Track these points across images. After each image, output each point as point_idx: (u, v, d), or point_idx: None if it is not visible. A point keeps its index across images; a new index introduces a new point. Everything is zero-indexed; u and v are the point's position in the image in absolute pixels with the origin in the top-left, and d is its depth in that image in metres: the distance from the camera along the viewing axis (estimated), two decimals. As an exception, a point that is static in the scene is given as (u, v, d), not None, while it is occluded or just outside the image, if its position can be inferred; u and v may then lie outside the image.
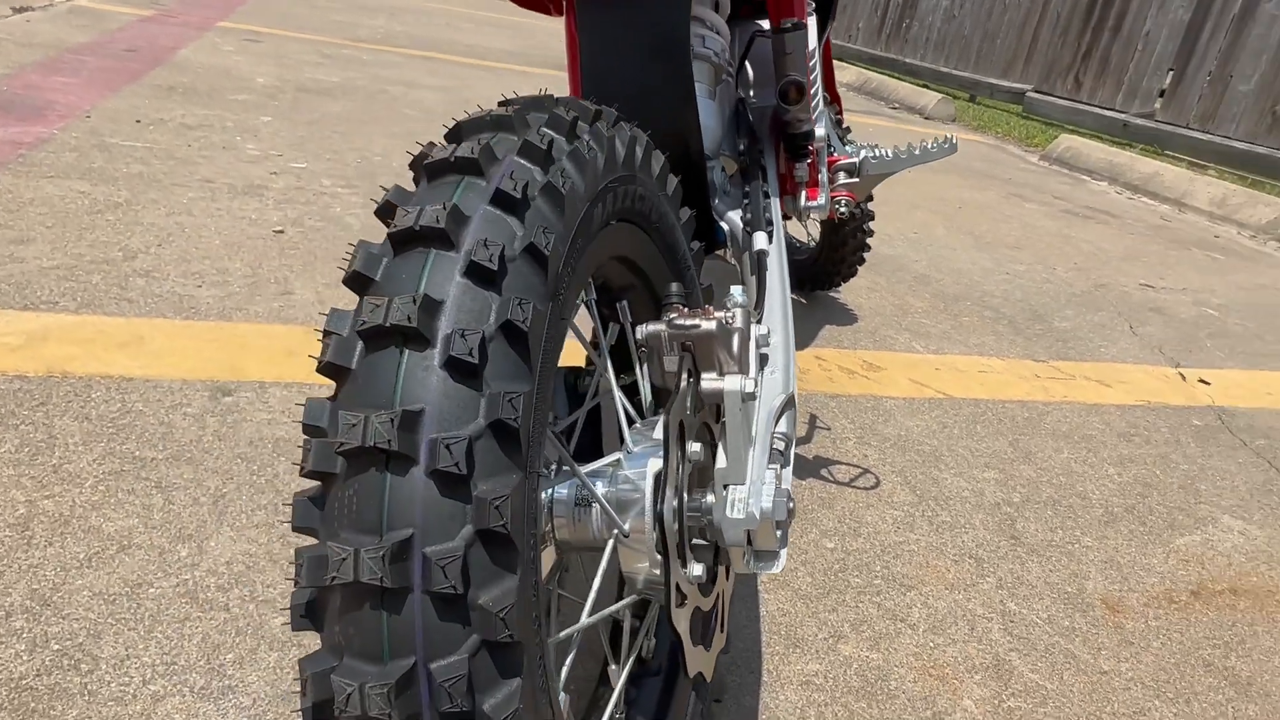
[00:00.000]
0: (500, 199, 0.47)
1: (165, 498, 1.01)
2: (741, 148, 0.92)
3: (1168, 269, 2.83)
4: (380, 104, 3.13)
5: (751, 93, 1.08)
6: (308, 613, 0.41)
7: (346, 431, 0.40)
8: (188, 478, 1.05)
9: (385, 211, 0.48)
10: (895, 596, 1.06)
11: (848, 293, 2.06)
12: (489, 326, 0.43)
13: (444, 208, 0.45)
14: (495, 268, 0.44)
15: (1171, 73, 5.41)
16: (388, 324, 0.42)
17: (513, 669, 0.41)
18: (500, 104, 0.58)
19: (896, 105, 6.15)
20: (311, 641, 0.85)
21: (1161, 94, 5.46)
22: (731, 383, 0.59)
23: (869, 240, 1.76)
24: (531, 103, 0.58)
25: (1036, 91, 6.31)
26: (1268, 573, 1.24)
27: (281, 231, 1.84)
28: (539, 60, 5.08)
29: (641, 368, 0.74)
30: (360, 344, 0.43)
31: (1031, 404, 1.64)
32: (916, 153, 1.11)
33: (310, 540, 0.98)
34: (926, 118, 5.77)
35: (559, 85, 4.33)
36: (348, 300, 1.58)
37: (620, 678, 0.63)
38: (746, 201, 0.86)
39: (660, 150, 0.73)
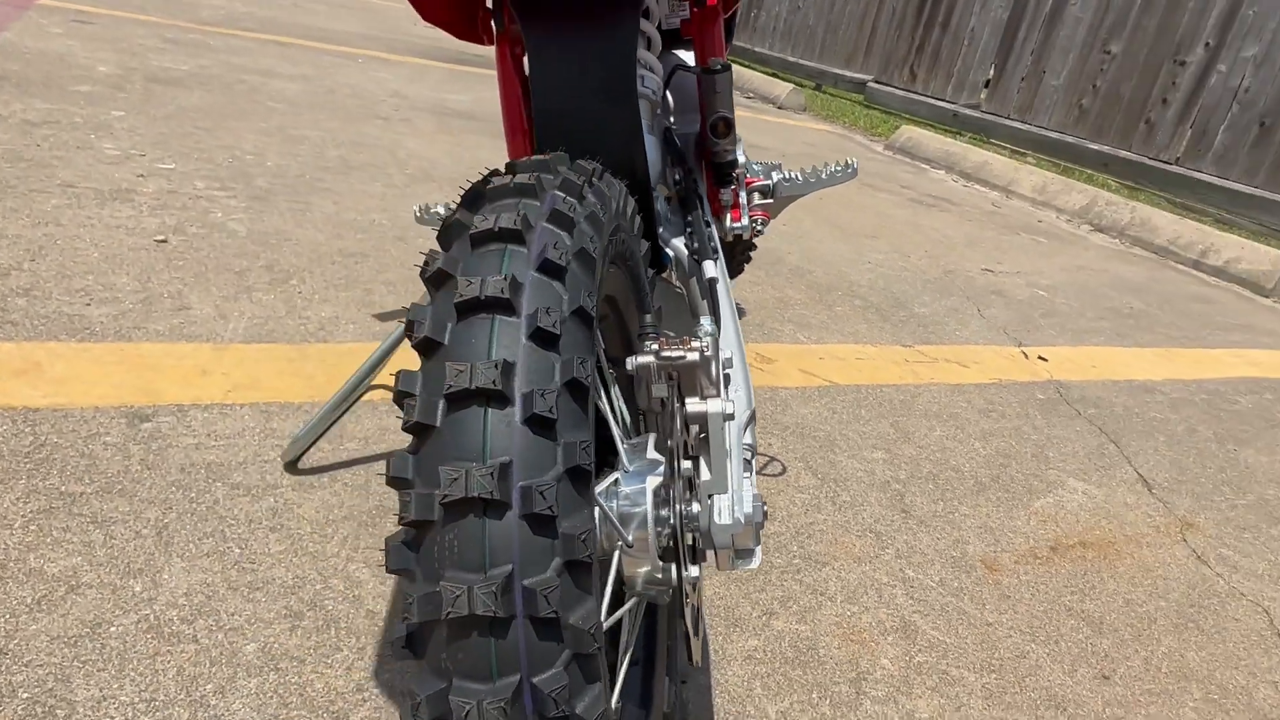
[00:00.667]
0: (546, 267, 0.53)
1: (105, 533, 0.99)
2: (677, 177, 1.00)
3: (1003, 254, 3.14)
4: (240, 96, 3.00)
5: (673, 120, 1.16)
6: (409, 644, 0.47)
7: (450, 484, 0.46)
8: (124, 510, 1.03)
9: (437, 280, 0.53)
10: (813, 573, 1.18)
11: (735, 288, 2.18)
12: (556, 384, 0.49)
13: (505, 279, 0.51)
14: (557, 332, 0.50)
15: (994, 67, 5.91)
16: (474, 386, 0.47)
17: (595, 675, 0.48)
18: (508, 168, 0.64)
19: (751, 95, 6.39)
20: (286, 667, 0.88)
21: (987, 85, 5.96)
22: (714, 405, 0.68)
23: (755, 240, 1.88)
24: (540, 165, 0.63)
25: (876, 82, 6.72)
26: (1107, 526, 1.45)
27: (164, 241, 1.77)
28: (396, 45, 4.95)
29: (612, 391, 0.81)
30: (444, 403, 0.48)
31: (904, 387, 1.82)
32: (824, 176, 1.23)
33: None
34: (780, 107, 6.04)
35: (421, 74, 4.25)
36: (252, 314, 1.55)
37: (621, 669, 0.71)
38: (690, 230, 0.94)
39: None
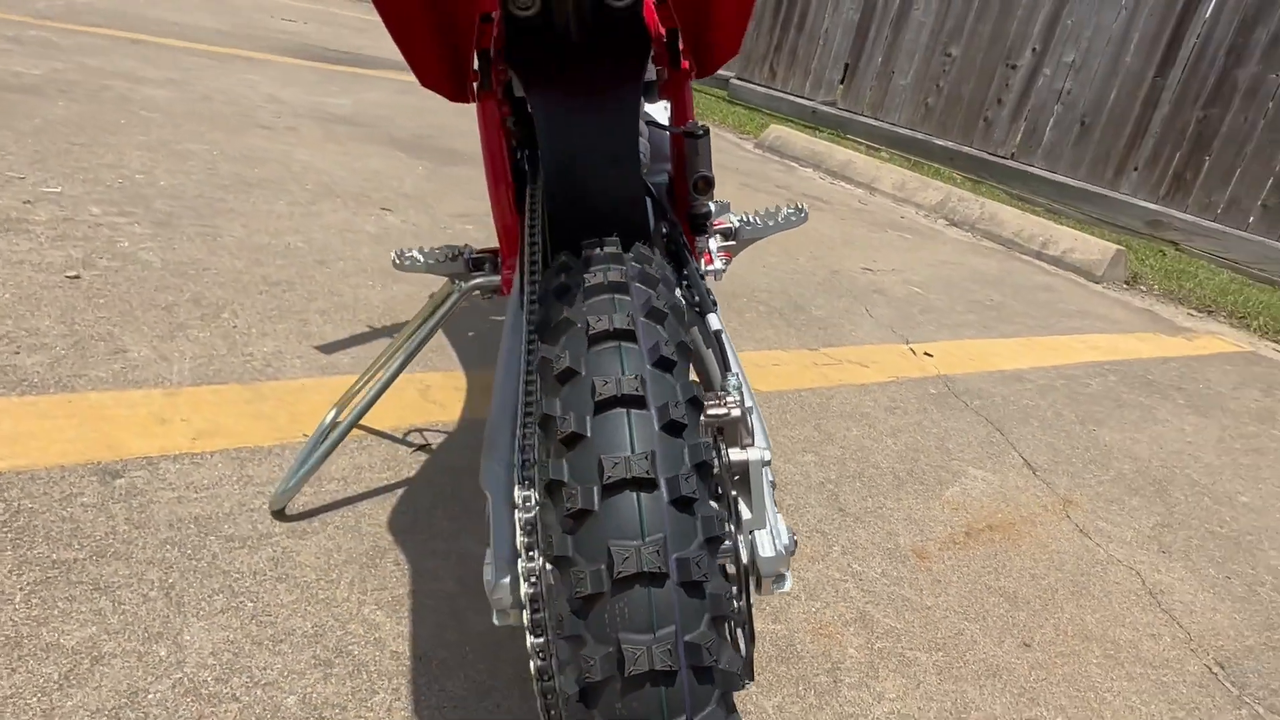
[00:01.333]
0: (660, 363, 0.62)
1: (112, 599, 0.99)
2: (665, 230, 1.08)
3: (877, 252, 3.40)
4: (109, 105, 2.83)
5: (645, 173, 1.24)
6: (584, 698, 0.55)
7: (623, 561, 0.54)
8: (124, 574, 1.03)
9: (565, 376, 0.61)
10: (776, 575, 1.31)
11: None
12: (688, 467, 0.58)
13: (636, 378, 0.59)
14: (685, 421, 0.59)
15: (847, 66, 6.27)
16: (629, 476, 0.56)
17: (734, 709, 0.57)
18: (582, 256, 0.71)
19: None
20: (331, 715, 0.92)
21: (842, 83, 6.32)
22: (754, 454, 0.78)
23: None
24: (614, 258, 0.71)
25: (739, 79, 6.98)
26: (1005, 508, 1.66)
27: (76, 277, 1.69)
28: (257, 42, 4.74)
29: None
30: (599, 489, 0.56)
31: (819, 390, 1.99)
32: (779, 220, 1.35)
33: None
34: (649, 103, 6.17)
35: (291, 76, 4.11)
36: (193, 353, 1.52)
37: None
38: (686, 283, 1.03)
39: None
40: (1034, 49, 5.25)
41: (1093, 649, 1.31)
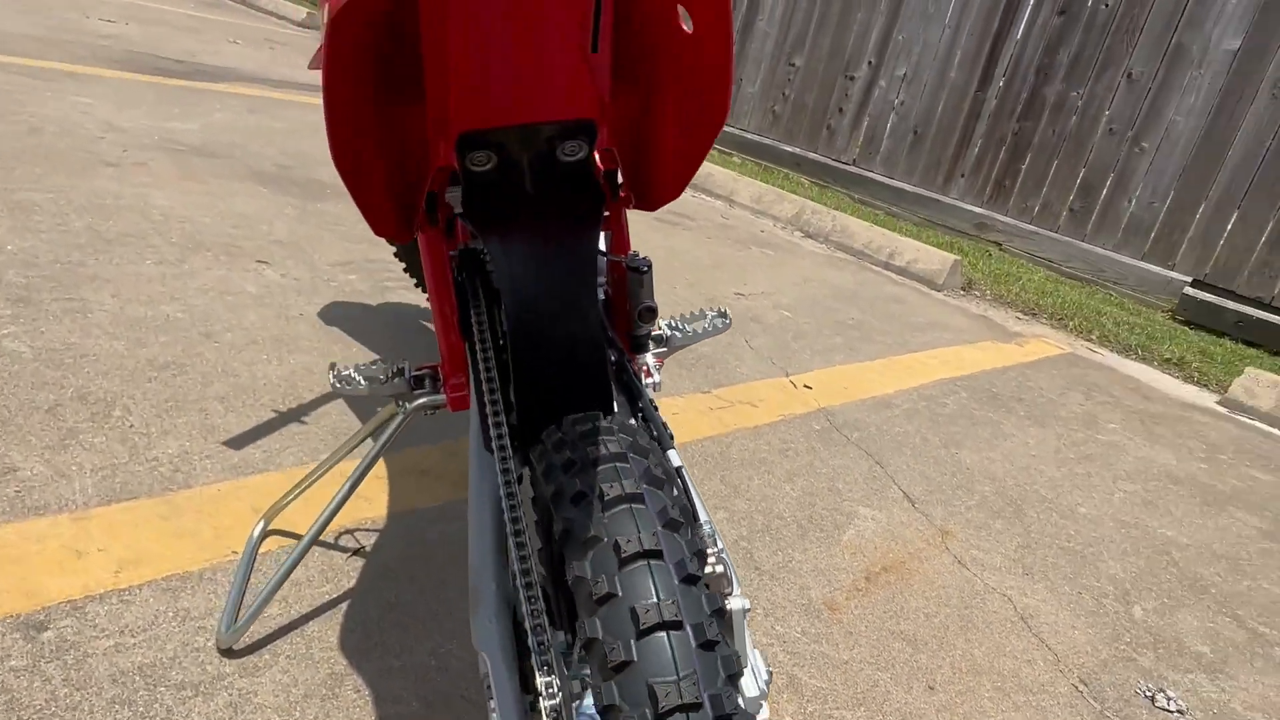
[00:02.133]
0: (686, 578, 0.68)
1: (72, 778, 0.96)
2: (612, 358, 1.14)
3: (745, 272, 3.56)
4: (-74, 148, 2.55)
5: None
6: None
7: (664, 696, 0.61)
8: (79, 746, 0.99)
9: (603, 599, 0.67)
10: (711, 647, 1.41)
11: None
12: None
13: (674, 604, 0.66)
14: (717, 639, 0.66)
15: (698, 72, 6.44)
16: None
17: None
18: (604, 482, 0.76)
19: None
20: None
21: (692, 89, 6.48)
22: (735, 603, 0.86)
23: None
24: (619, 471, 0.77)
25: (591, 80, 7.02)
26: (895, 547, 1.84)
27: (-61, 380, 1.55)
28: (78, 52, 4.35)
29: None
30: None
31: (717, 439, 2.10)
32: (707, 327, 1.43)
33: None
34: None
35: (125, 94, 3.81)
36: (92, 465, 1.44)
37: None
38: (643, 416, 1.09)
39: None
40: (870, 62, 5.60)
41: (984, 683, 1.49)
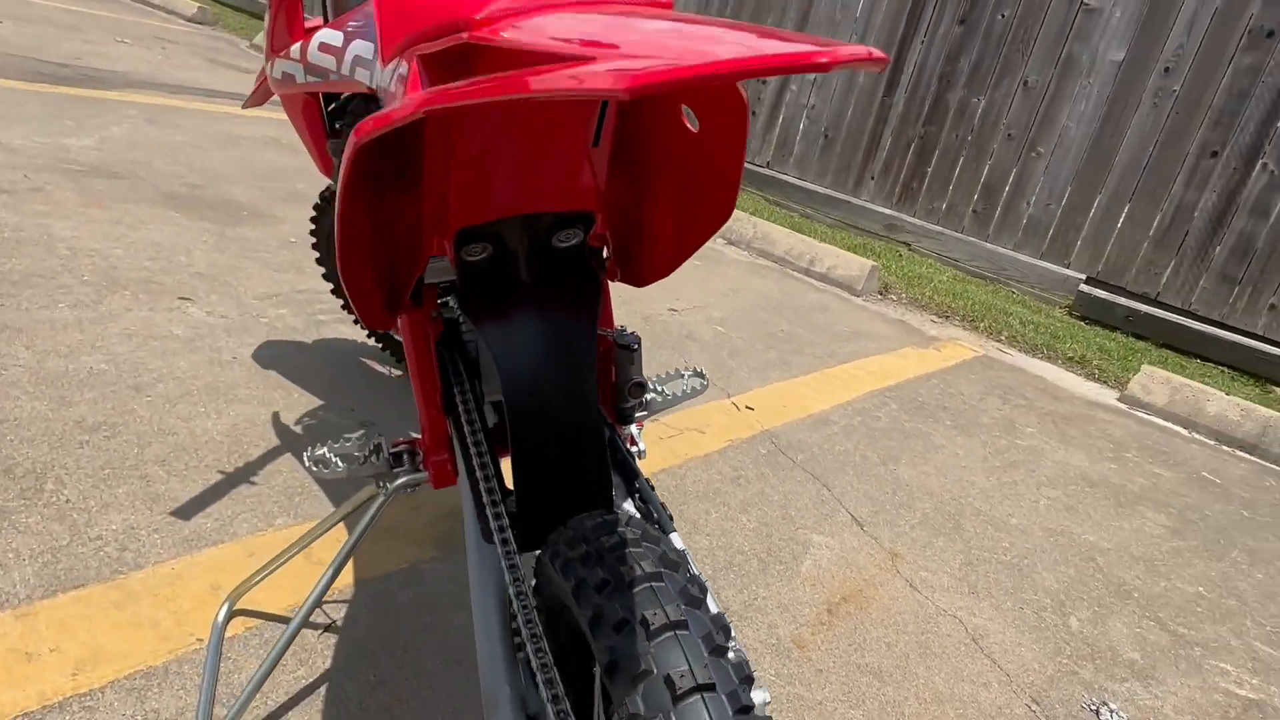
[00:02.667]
0: (740, 709, 0.69)
1: None
2: (608, 434, 1.13)
3: (676, 285, 3.59)
4: None
5: None
6: None
7: None
8: None
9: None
10: (692, 699, 1.42)
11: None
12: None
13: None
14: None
15: (611, 74, 6.42)
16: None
17: None
18: (644, 608, 0.76)
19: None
20: None
21: (605, 91, 6.47)
22: (758, 696, 0.88)
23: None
24: (658, 594, 0.77)
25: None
26: (851, 575, 1.89)
27: None
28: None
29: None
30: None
31: (672, 470, 2.12)
32: (686, 390, 1.43)
33: None
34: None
35: (7, 104, 3.54)
36: (30, 550, 1.35)
37: None
38: (640, 498, 1.08)
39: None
40: (781, 66, 5.69)
41: (948, 712, 1.56)
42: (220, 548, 1.46)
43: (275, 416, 1.88)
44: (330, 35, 1.20)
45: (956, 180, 5.17)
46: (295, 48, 1.28)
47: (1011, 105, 4.94)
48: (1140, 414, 3.52)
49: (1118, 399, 3.64)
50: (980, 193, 5.10)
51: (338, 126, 1.36)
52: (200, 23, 7.75)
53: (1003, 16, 4.91)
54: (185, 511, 1.53)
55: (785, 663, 1.56)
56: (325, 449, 1.19)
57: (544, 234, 0.98)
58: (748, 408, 2.59)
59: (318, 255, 2.11)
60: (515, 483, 0.99)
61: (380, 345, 2.18)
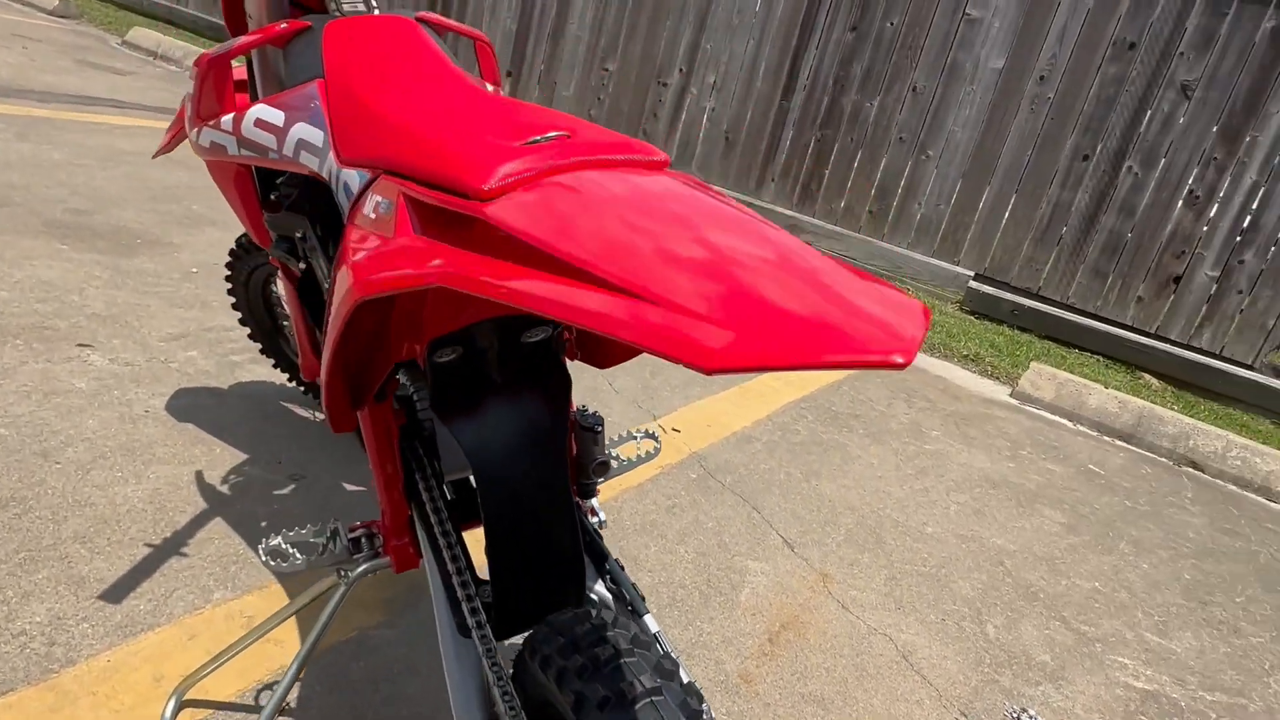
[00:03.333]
0: (663, 673, 0.74)
1: None
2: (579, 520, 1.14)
3: (591, 300, 3.60)
4: None
5: None
6: None
7: None
8: None
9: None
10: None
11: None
12: None
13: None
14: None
15: (509, 75, 6.34)
16: None
17: None
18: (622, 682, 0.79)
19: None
20: None
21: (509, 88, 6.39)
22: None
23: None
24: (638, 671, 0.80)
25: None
26: (786, 602, 1.97)
27: None
28: None
29: None
30: None
31: (608, 504, 2.14)
32: (641, 454, 1.44)
33: None
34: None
35: None
36: (-49, 655, 1.26)
37: None
38: (609, 577, 1.10)
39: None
40: (681, 69, 5.75)
41: (887, 733, 1.65)
42: (158, 632, 1.41)
43: (199, 476, 1.80)
44: (268, 113, 1.16)
45: (853, 182, 5.35)
46: (227, 119, 1.23)
47: (902, 110, 5.14)
48: (1031, 409, 3.76)
49: (1010, 395, 3.88)
50: (875, 194, 5.30)
51: (273, 198, 1.32)
52: (63, 16, 7.21)
53: (891, 24, 5.10)
54: (115, 594, 1.46)
55: (735, 700, 1.62)
56: (280, 540, 1.16)
57: (514, 332, 0.98)
58: (674, 430, 2.64)
59: (233, 301, 2.03)
60: (492, 574, 1.00)
61: (303, 390, 2.12)
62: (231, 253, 1.91)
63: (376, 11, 1.33)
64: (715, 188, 0.77)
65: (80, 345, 2.17)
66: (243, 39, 1.22)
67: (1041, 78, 4.77)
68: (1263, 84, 4.31)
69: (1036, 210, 4.87)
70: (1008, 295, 4.98)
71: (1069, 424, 3.68)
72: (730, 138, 5.67)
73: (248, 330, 2.03)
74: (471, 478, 1.21)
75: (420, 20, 1.30)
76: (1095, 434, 3.63)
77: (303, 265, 1.35)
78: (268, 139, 1.16)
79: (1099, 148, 4.68)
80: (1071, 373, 4.14)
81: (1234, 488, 3.38)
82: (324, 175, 1.07)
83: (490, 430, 0.98)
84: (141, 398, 2.02)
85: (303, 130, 1.11)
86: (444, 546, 1.09)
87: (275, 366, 2.12)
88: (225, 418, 2.04)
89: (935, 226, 5.15)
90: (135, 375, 2.11)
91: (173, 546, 1.59)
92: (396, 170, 0.85)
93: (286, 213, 1.27)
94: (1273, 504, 3.31)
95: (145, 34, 6.91)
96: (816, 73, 5.35)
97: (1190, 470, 3.46)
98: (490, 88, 1.40)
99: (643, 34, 5.81)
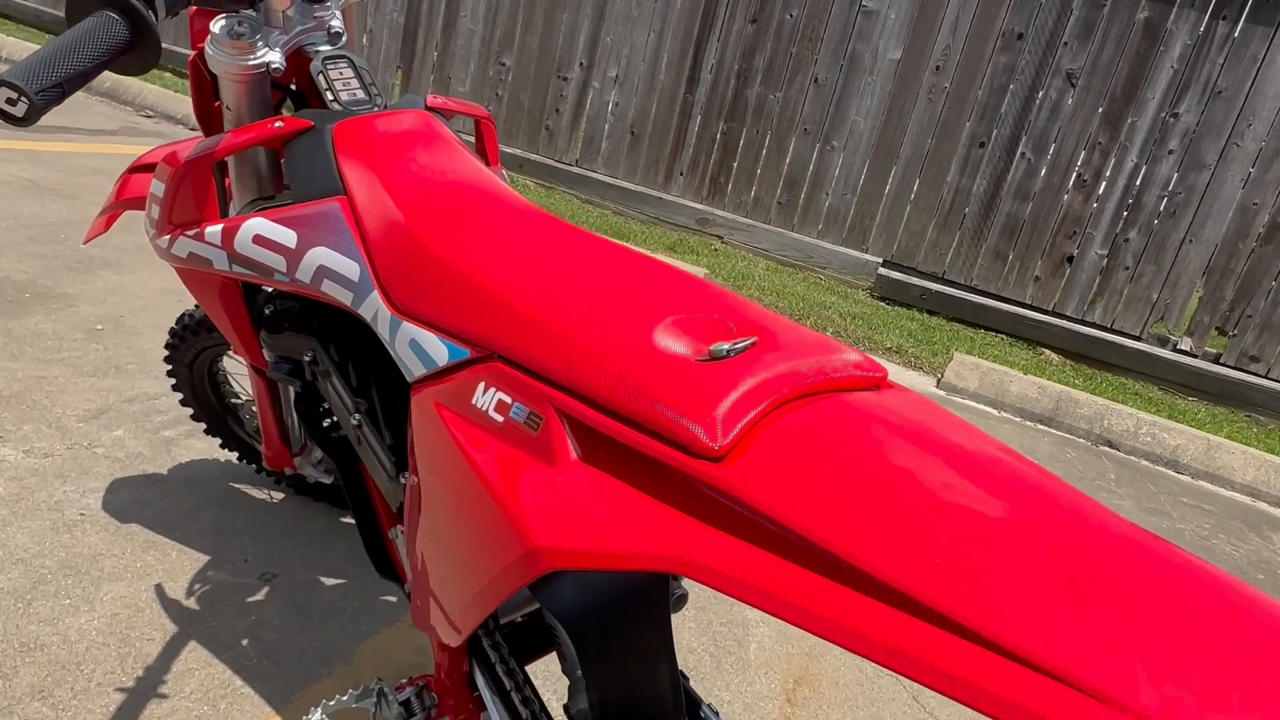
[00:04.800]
0: None
1: None
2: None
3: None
4: None
5: None
6: None
7: None
8: None
9: None
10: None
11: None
12: None
13: None
14: None
15: (400, 70, 6.02)
16: None
17: None
18: None
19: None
20: None
21: (399, 86, 6.06)
22: None
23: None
24: None
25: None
26: (793, 650, 1.95)
27: None
28: None
29: None
30: None
31: (597, 562, 2.06)
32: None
33: None
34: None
35: None
36: None
37: None
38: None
39: None
40: (581, 63, 5.60)
41: (918, 786, 1.65)
42: (157, 800, 1.24)
43: (159, 591, 1.61)
44: (273, 230, 1.01)
45: (760, 174, 5.37)
46: (212, 231, 1.06)
47: (806, 101, 5.18)
48: (957, 399, 3.89)
49: (936, 385, 4.00)
50: (783, 185, 5.34)
51: (270, 314, 1.16)
52: None
53: (791, 16, 5.11)
54: (96, 758, 1.28)
55: (771, 773, 1.59)
56: (320, 714, 1.04)
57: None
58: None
59: (174, 383, 1.82)
60: None
61: (257, 470, 1.94)
62: (172, 333, 1.70)
63: (380, 101, 1.18)
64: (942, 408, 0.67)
65: (-15, 438, 1.90)
66: (228, 139, 1.05)
67: (937, 68, 4.89)
68: (1139, 71, 4.56)
69: (938, 197, 5.02)
70: (915, 280, 5.13)
71: (994, 411, 3.83)
72: (636, 131, 5.58)
73: (182, 401, 1.83)
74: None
75: (430, 110, 1.16)
76: (1019, 419, 3.79)
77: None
78: (274, 260, 1.01)
79: (994, 134, 4.85)
80: (983, 356, 4.31)
81: (1147, 463, 3.60)
82: (361, 314, 0.94)
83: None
84: (72, 497, 1.79)
85: (324, 256, 0.97)
86: (511, 689, 1.00)
87: (223, 446, 1.92)
88: (172, 511, 1.84)
89: (843, 215, 5.24)
90: (59, 469, 1.86)
91: (148, 687, 1.41)
92: (524, 366, 0.74)
93: (291, 334, 1.12)
94: (1181, 476, 3.55)
95: (-27, 29, 6.16)
96: (719, 65, 5.31)
97: (1108, 450, 3.66)
98: (504, 173, 1.28)
99: (539, 26, 5.61)
